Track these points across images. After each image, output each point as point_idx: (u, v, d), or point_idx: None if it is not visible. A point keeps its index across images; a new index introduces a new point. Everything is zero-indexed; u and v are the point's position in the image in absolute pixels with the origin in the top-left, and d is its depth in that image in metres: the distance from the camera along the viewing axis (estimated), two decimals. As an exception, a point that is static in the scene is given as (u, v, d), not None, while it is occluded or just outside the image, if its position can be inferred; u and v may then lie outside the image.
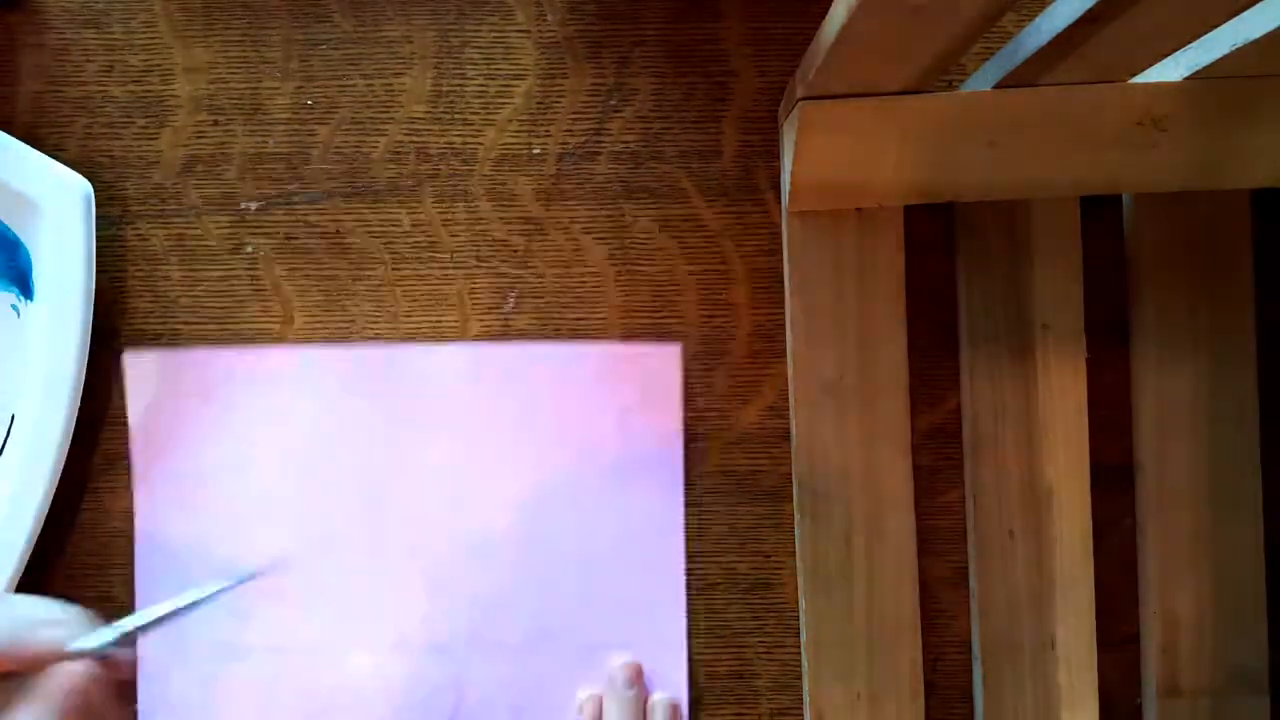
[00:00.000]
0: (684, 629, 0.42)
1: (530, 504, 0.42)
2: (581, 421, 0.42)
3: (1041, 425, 0.41)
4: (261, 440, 0.42)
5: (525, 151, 0.43)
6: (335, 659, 0.41)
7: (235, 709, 0.41)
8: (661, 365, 0.42)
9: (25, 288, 0.41)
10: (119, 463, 0.42)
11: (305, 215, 0.43)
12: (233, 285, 0.43)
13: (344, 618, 0.42)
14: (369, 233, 0.43)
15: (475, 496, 0.42)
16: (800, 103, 0.37)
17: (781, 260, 0.42)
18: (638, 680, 0.41)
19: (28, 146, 0.40)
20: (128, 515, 0.42)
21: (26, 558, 0.40)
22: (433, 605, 0.42)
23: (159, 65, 0.43)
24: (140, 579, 0.42)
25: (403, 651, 0.41)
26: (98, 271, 0.42)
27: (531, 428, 0.42)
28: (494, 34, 0.43)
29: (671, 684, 0.42)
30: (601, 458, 0.42)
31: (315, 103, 0.43)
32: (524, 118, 0.43)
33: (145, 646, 0.41)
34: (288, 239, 0.43)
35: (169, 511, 0.42)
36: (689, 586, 0.42)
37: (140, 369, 0.42)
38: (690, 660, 0.42)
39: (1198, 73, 0.36)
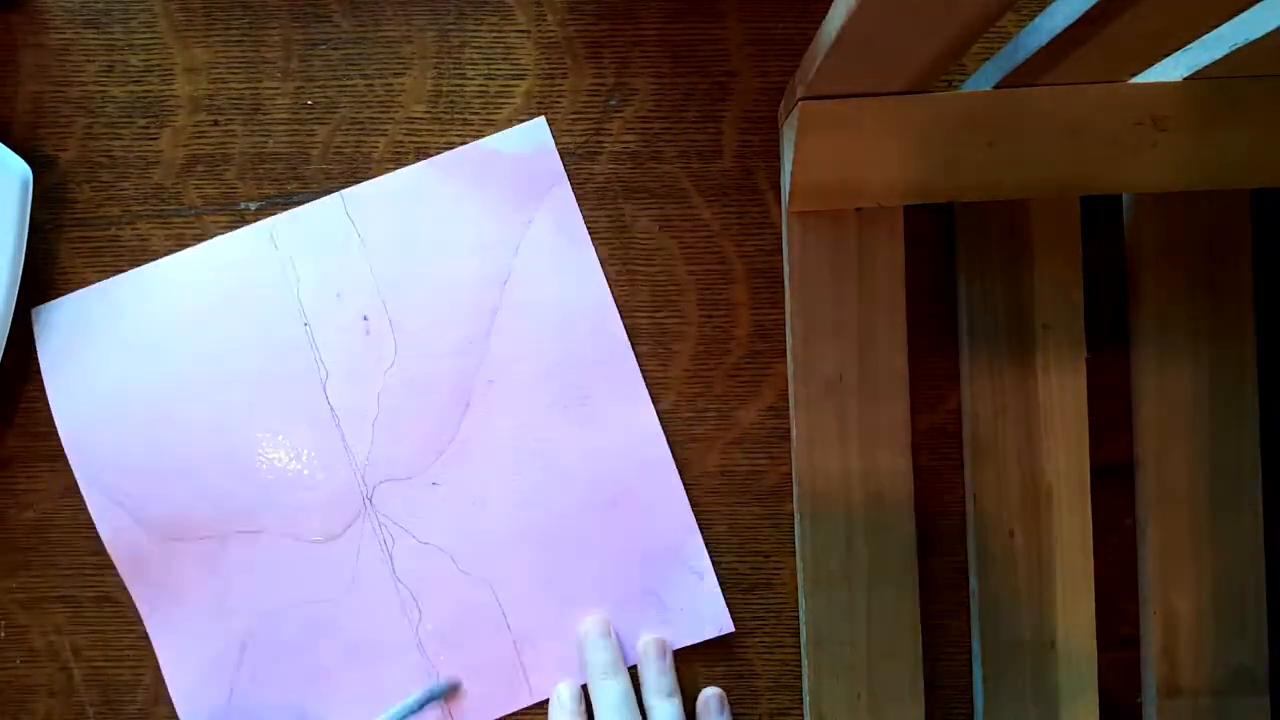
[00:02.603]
0: (655, 419, 0.42)
1: (470, 329, 0.42)
2: (486, 225, 0.42)
3: (1041, 425, 0.41)
4: (179, 350, 0.42)
5: (525, 151, 0.43)
6: (285, 545, 0.42)
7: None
8: (533, 138, 0.42)
9: None
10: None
11: (305, 215, 0.43)
12: (233, 285, 0.43)
13: (298, 499, 0.42)
14: (369, 233, 0.43)
15: (412, 338, 0.42)
16: (800, 103, 0.37)
17: (781, 260, 0.42)
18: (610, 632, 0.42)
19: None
20: (69, 493, 0.42)
21: None
22: (377, 448, 0.42)
23: (159, 65, 0.43)
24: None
25: (348, 466, 0.42)
26: (96, 271, 0.42)
27: (439, 248, 0.42)
28: (494, 34, 0.43)
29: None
30: (517, 258, 0.42)
31: (315, 103, 0.43)
32: (524, 118, 0.43)
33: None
34: (288, 239, 0.43)
35: (104, 460, 0.42)
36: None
37: (48, 319, 0.42)
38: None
39: (1198, 73, 0.36)
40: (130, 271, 0.42)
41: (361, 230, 0.42)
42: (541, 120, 0.42)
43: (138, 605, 0.42)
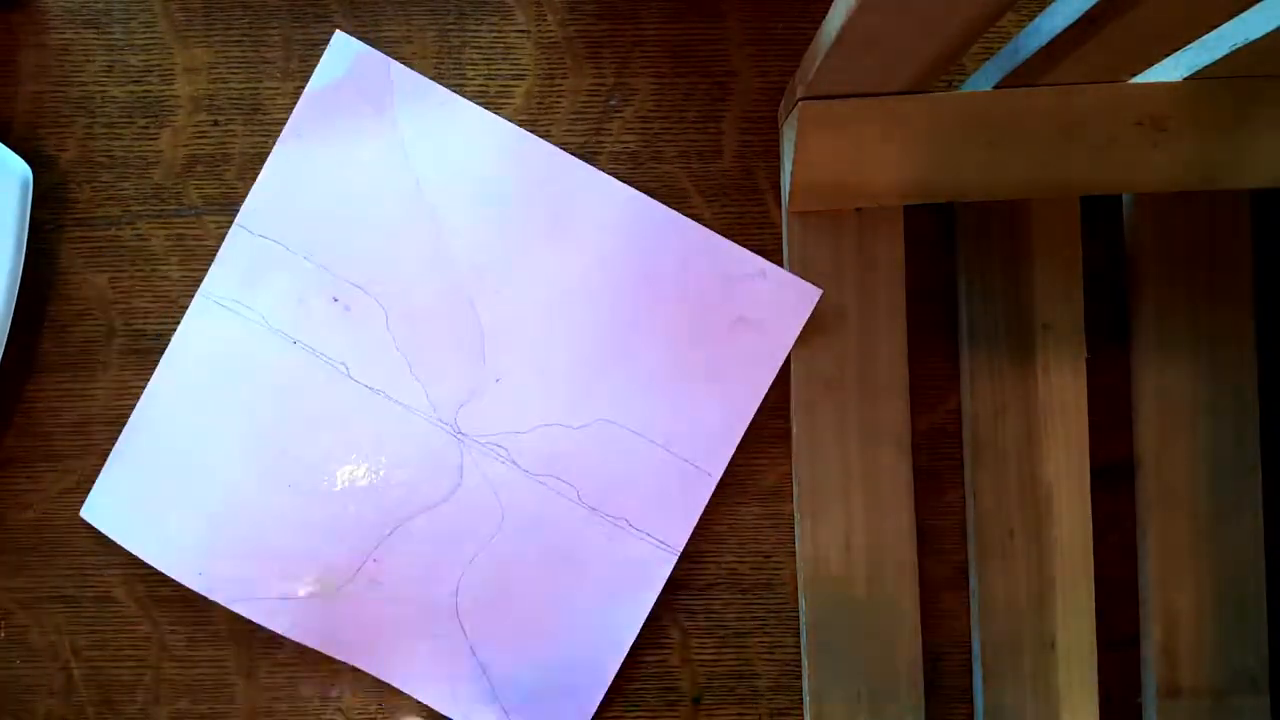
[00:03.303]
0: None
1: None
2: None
3: (1041, 425, 0.41)
4: (230, 453, 0.42)
5: (525, 151, 0.43)
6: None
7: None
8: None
9: None
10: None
11: (305, 215, 0.43)
12: (233, 285, 0.43)
13: (404, 477, 0.42)
14: (369, 233, 0.43)
15: (386, 286, 0.42)
16: (800, 103, 0.37)
17: (781, 260, 0.42)
18: None
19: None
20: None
21: None
22: (433, 387, 0.42)
23: (159, 65, 0.43)
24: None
25: (422, 418, 0.42)
26: (97, 271, 0.42)
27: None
28: (494, 34, 0.43)
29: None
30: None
31: (315, 103, 0.43)
32: (524, 118, 0.43)
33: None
34: (288, 239, 0.43)
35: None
36: (689, 585, 0.42)
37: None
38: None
39: (1198, 73, 0.36)
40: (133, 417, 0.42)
41: (277, 236, 0.42)
42: (336, 33, 0.42)
43: (353, 663, 0.42)
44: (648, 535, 0.42)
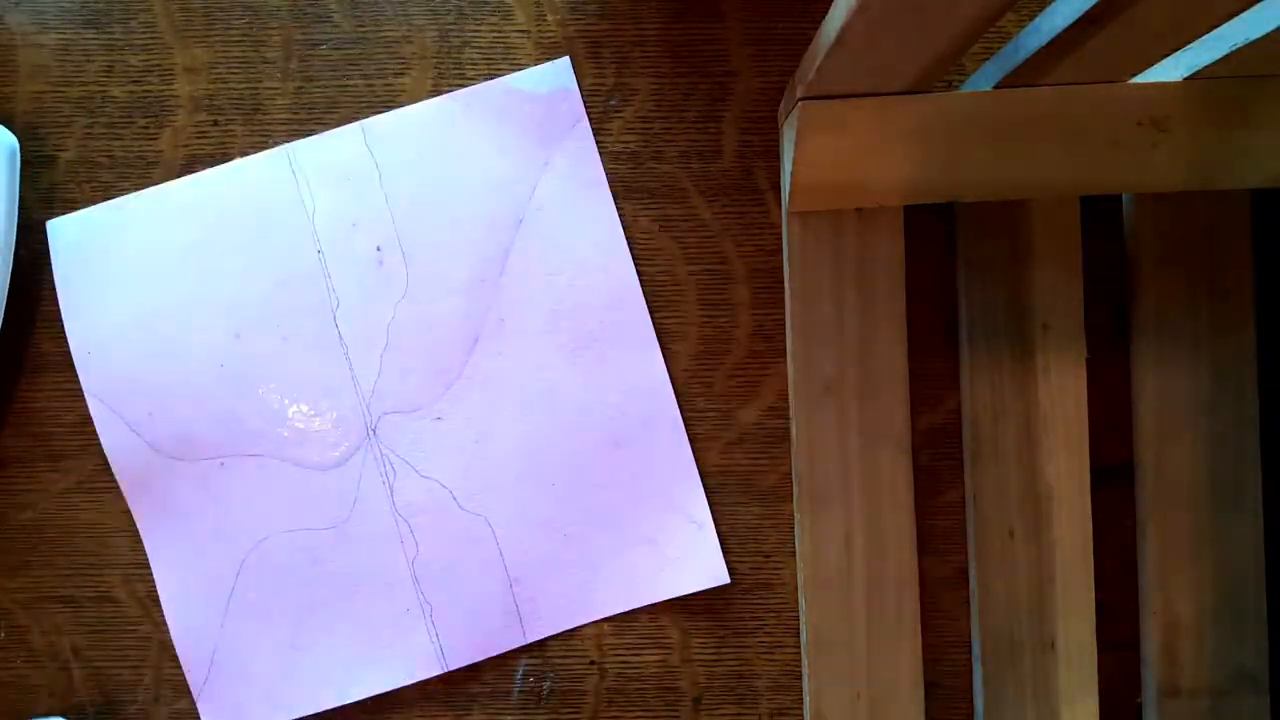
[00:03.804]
0: (663, 367, 0.42)
1: (483, 267, 0.42)
2: (504, 164, 0.42)
3: (1041, 425, 0.41)
4: (191, 270, 0.42)
5: (525, 151, 0.43)
6: (285, 471, 0.42)
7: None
8: (557, 78, 0.42)
9: None
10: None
11: (305, 215, 0.43)
12: (233, 285, 0.43)
13: (301, 425, 0.42)
14: (369, 233, 0.43)
15: (424, 272, 0.42)
16: (800, 103, 0.37)
17: (781, 260, 0.42)
18: None
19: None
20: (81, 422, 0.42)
21: None
22: (384, 380, 0.41)
23: (159, 65, 0.43)
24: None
25: (353, 394, 0.41)
26: (98, 271, 0.42)
27: (456, 183, 0.42)
28: (494, 34, 0.43)
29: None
30: (533, 199, 0.42)
31: (315, 103, 0.43)
32: (524, 118, 0.43)
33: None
34: (288, 239, 0.43)
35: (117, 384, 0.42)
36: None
37: (62, 233, 0.42)
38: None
39: (1198, 73, 0.36)
40: (147, 190, 0.42)
41: (380, 161, 0.42)
42: (566, 60, 0.42)
43: (138, 524, 0.42)
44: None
